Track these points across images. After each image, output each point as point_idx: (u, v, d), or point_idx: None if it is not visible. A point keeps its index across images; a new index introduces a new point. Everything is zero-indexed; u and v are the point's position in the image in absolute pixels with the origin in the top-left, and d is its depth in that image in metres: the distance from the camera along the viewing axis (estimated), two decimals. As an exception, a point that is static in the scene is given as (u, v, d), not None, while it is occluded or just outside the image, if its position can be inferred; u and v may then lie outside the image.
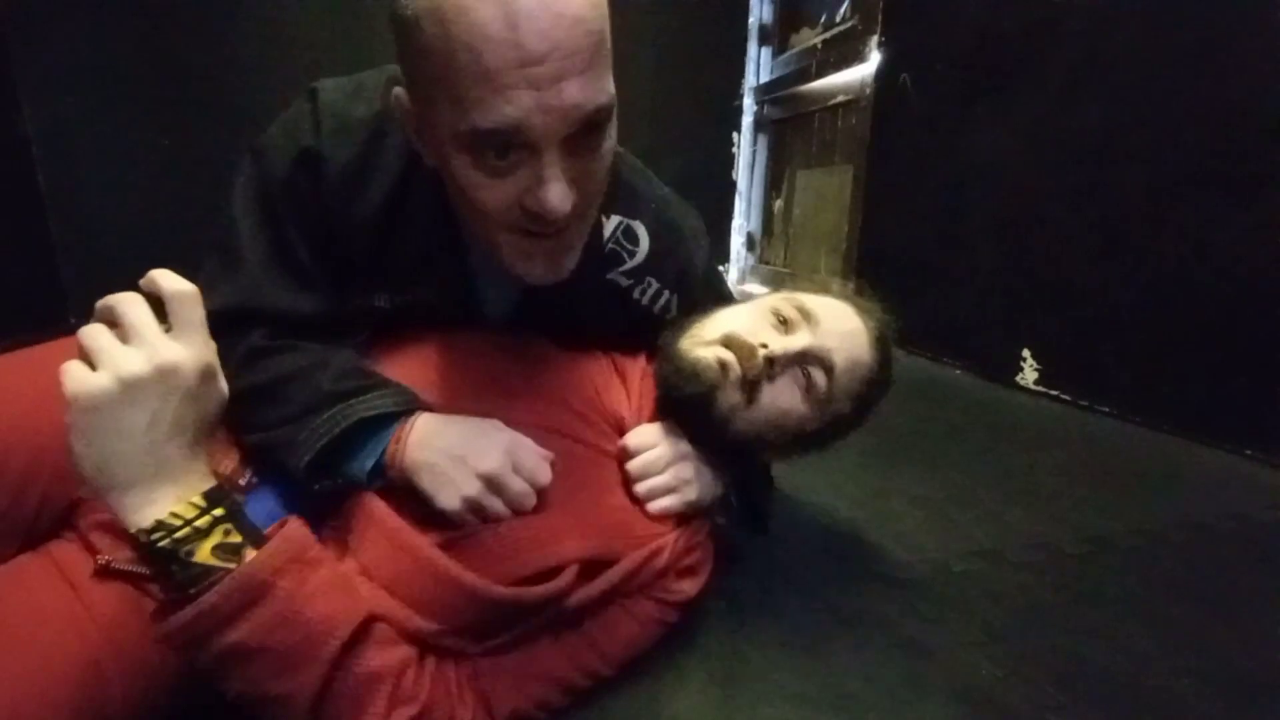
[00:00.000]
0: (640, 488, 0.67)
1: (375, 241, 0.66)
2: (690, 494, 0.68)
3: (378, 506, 0.59)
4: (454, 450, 0.58)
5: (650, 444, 0.68)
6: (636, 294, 0.76)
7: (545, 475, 0.60)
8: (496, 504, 0.58)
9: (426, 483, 0.58)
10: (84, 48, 1.92)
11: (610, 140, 0.57)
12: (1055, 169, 1.64)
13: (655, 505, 0.67)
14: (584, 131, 0.52)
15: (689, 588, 0.68)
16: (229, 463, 0.63)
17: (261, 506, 0.61)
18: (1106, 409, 1.53)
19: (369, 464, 0.59)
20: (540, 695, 0.59)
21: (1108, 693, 0.67)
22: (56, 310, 1.97)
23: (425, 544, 0.56)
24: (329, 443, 0.58)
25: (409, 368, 0.68)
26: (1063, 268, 1.63)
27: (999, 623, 0.77)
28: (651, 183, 0.77)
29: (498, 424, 0.62)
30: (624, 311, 0.76)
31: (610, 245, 0.72)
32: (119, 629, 0.50)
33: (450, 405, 0.64)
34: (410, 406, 0.62)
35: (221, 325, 0.55)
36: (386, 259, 0.67)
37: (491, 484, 0.58)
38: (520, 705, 0.58)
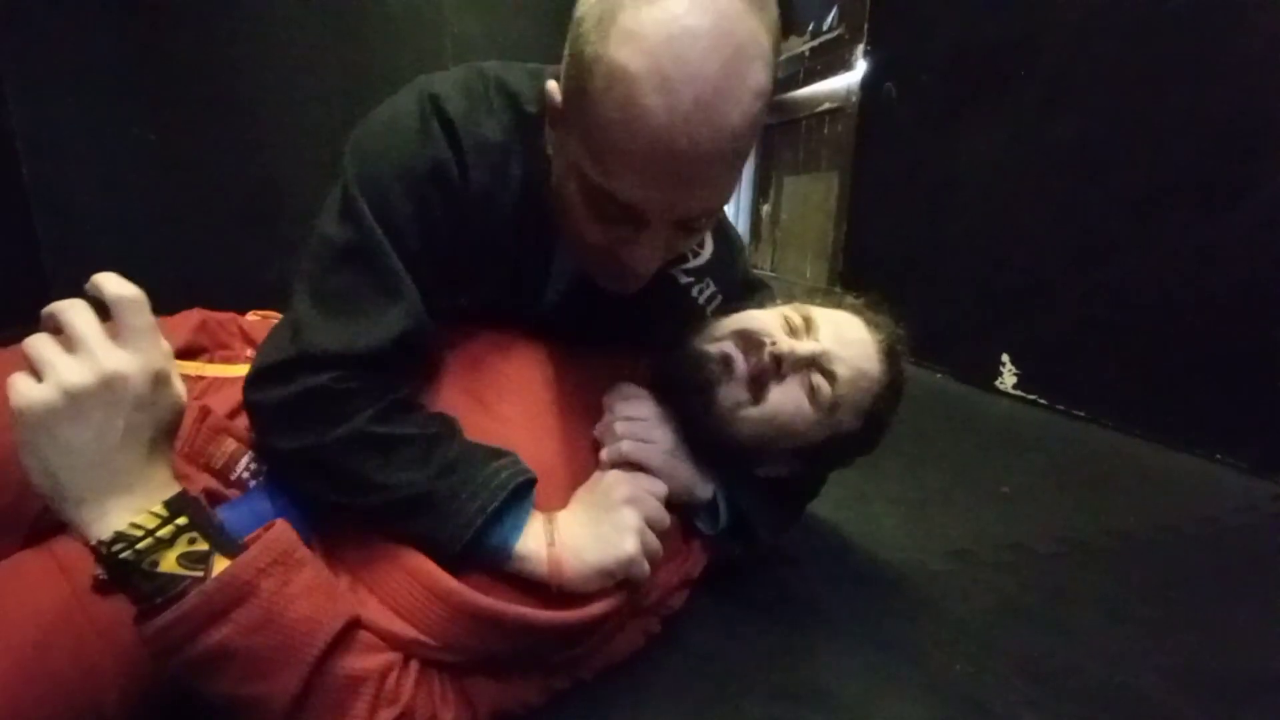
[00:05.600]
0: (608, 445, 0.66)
1: (489, 254, 0.65)
2: (654, 459, 0.66)
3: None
4: (600, 564, 0.57)
5: (641, 413, 0.68)
6: (695, 292, 0.77)
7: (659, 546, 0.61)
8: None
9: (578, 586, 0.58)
10: (70, 42, 1.89)
11: (715, 218, 0.58)
12: (1035, 177, 1.67)
13: (611, 451, 0.65)
14: (694, 218, 0.55)
15: (675, 602, 0.70)
16: (221, 455, 0.62)
17: (251, 506, 0.61)
18: (1082, 413, 1.56)
19: (513, 539, 0.57)
20: (521, 695, 0.59)
21: (1079, 689, 0.68)
22: (41, 306, 1.93)
23: (422, 560, 0.56)
24: (498, 507, 0.56)
25: (482, 390, 0.68)
26: (1042, 275, 1.66)
27: (974, 621, 0.79)
28: None
29: (617, 500, 0.61)
30: (678, 307, 0.76)
31: None
32: (115, 630, 0.50)
33: (528, 424, 0.65)
34: (528, 471, 0.60)
35: (382, 358, 0.56)
36: (489, 268, 0.66)
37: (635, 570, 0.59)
38: (502, 704, 0.58)
